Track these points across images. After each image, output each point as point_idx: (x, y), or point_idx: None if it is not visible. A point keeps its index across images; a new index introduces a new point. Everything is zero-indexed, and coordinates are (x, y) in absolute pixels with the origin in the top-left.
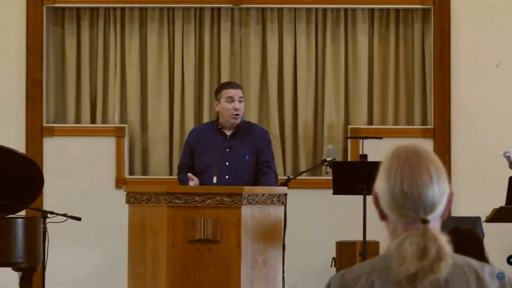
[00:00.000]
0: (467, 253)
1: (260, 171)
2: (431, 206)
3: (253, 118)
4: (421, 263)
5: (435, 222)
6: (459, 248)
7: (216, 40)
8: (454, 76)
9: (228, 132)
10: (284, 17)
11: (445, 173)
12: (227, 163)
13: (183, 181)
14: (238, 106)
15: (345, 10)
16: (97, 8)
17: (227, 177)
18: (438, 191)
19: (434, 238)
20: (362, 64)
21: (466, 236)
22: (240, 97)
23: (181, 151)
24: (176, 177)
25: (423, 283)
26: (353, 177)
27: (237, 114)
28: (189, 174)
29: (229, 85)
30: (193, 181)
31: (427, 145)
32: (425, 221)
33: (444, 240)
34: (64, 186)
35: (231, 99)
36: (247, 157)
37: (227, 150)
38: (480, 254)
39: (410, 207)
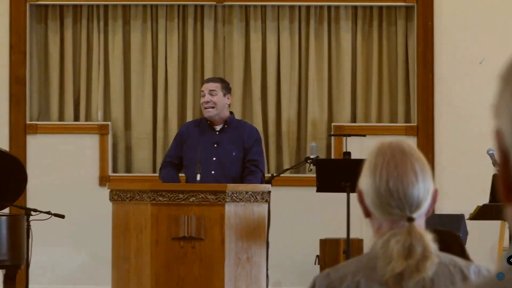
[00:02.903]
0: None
1: (247, 170)
2: (417, 204)
3: (236, 115)
4: (407, 262)
5: (420, 219)
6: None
7: (199, 38)
8: (437, 73)
9: (217, 127)
10: (267, 14)
11: (429, 170)
12: (214, 159)
13: (167, 178)
14: (207, 99)
15: (329, 7)
16: (80, 6)
17: (213, 172)
18: (423, 189)
19: (420, 237)
20: (346, 61)
21: (445, 239)
22: (211, 90)
23: (164, 148)
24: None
25: (409, 282)
26: (337, 174)
27: (207, 107)
28: None
29: (205, 80)
30: None
31: (410, 142)
32: (410, 219)
33: (429, 239)
34: (47, 183)
35: (202, 93)
36: (234, 153)
37: (215, 145)
38: (462, 256)
39: (395, 205)
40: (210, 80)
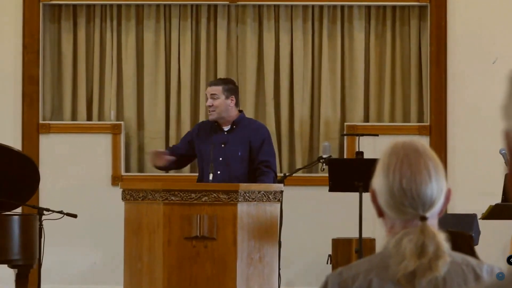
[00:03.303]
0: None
1: (259, 171)
2: (430, 203)
3: (249, 115)
4: (420, 261)
5: (433, 219)
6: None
7: (212, 37)
8: (450, 73)
9: (226, 128)
10: (280, 14)
11: (443, 170)
12: (220, 159)
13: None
14: (209, 103)
15: (342, 7)
16: (94, 5)
17: (219, 172)
18: (436, 188)
19: (433, 236)
20: (359, 61)
21: (455, 240)
22: (212, 94)
23: None
24: (171, 174)
25: (422, 281)
26: (349, 174)
27: (210, 111)
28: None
29: (208, 82)
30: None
31: (423, 142)
32: (423, 218)
33: (442, 238)
34: (60, 183)
35: (206, 97)
36: (239, 153)
37: (222, 145)
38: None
39: (408, 204)
40: (212, 84)
